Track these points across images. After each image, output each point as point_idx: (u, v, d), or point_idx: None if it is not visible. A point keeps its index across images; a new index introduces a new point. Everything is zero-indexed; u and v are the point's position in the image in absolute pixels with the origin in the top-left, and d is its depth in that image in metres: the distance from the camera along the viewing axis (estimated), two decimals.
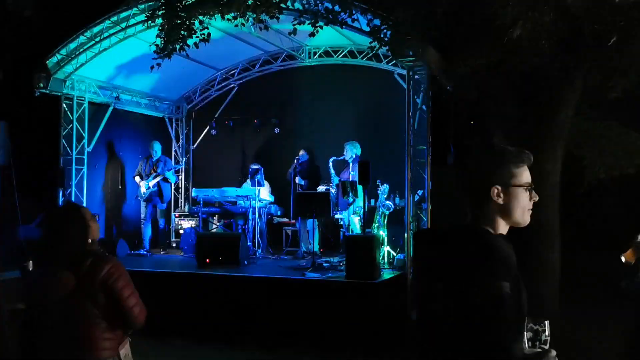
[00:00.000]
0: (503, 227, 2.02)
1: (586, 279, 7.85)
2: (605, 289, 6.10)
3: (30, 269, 5.03)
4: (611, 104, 7.30)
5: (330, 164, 9.36)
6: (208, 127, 12.31)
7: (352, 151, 9.23)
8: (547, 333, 1.99)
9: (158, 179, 10.09)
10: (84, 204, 10.09)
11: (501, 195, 1.98)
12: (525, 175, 2.02)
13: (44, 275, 2.90)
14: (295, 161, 9.93)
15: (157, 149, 10.35)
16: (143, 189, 10.10)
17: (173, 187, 10.66)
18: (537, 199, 2.03)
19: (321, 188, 9.71)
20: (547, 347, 1.98)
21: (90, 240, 2.99)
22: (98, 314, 2.85)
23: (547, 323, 2.00)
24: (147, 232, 10.22)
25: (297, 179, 9.88)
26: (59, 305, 2.82)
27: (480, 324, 1.82)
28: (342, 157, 9.30)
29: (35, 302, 2.93)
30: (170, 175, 10.23)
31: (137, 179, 10.26)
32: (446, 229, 2.11)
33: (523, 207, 2.00)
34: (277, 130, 11.57)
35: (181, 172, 12.71)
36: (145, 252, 10.02)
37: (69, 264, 2.84)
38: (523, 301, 1.93)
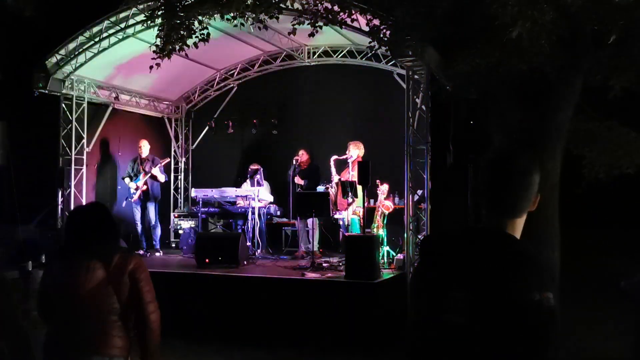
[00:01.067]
0: (519, 234, 1.90)
1: (586, 278, 7.85)
2: (605, 288, 6.11)
3: (30, 269, 5.03)
4: (611, 104, 7.29)
5: (332, 162, 9.34)
6: (207, 127, 12.31)
7: (355, 152, 9.21)
8: None
9: (146, 177, 10.03)
10: (83, 204, 10.07)
11: (536, 202, 1.90)
12: None
13: (74, 268, 2.94)
14: (295, 161, 9.92)
15: (145, 147, 10.27)
16: (133, 190, 10.05)
17: (162, 185, 10.55)
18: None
19: (321, 188, 9.70)
20: None
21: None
22: (117, 309, 2.92)
23: None
24: (143, 232, 10.19)
25: (296, 179, 9.87)
26: (83, 298, 2.88)
27: (528, 339, 1.68)
28: (344, 156, 9.28)
29: (63, 293, 2.95)
30: (157, 172, 10.12)
31: (127, 180, 10.20)
32: (463, 234, 1.93)
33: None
34: (275, 130, 11.57)
35: (180, 172, 12.71)
36: (143, 252, 10.01)
37: (101, 258, 2.95)
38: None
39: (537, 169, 1.87)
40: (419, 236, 7.92)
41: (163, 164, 10.33)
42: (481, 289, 1.74)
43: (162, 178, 10.25)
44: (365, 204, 8.17)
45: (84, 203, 10.07)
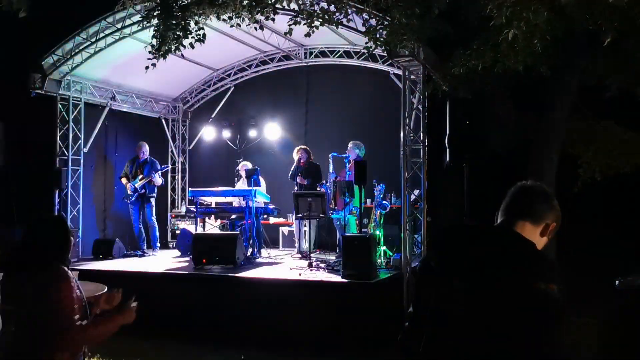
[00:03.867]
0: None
1: (582, 278, 7.87)
2: (601, 288, 6.12)
3: None
4: (607, 103, 7.32)
5: (330, 159, 9.34)
6: (204, 127, 12.31)
7: (355, 152, 9.21)
8: None
9: (144, 181, 10.03)
10: (80, 205, 10.08)
11: (547, 232, 2.07)
12: None
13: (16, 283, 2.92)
14: (296, 161, 9.91)
15: (144, 149, 10.27)
16: (129, 191, 10.05)
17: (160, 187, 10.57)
18: None
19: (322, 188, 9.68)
20: None
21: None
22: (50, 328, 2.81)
23: None
24: (140, 233, 10.19)
25: (298, 179, 9.86)
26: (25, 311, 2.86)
27: (539, 327, 1.76)
28: (343, 155, 9.28)
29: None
30: (157, 178, 10.15)
31: (124, 180, 10.19)
32: (478, 229, 2.03)
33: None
34: (272, 130, 11.57)
35: (177, 172, 12.71)
36: (141, 253, 10.01)
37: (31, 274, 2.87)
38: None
39: (557, 208, 2.11)
40: (416, 236, 7.94)
41: (164, 170, 10.35)
42: (487, 280, 1.82)
43: (159, 182, 10.28)
44: (363, 204, 8.18)
45: (80, 204, 10.08)
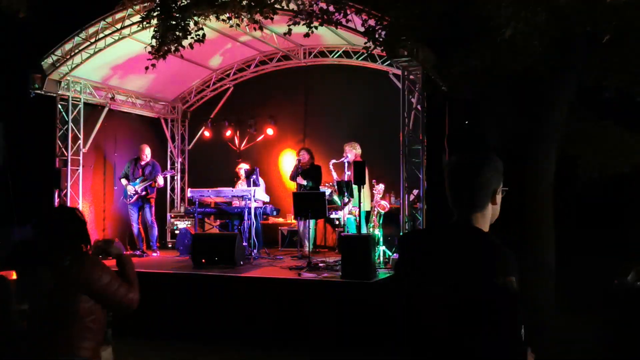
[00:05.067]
0: (487, 227, 2.09)
1: (580, 278, 7.88)
2: (599, 288, 6.14)
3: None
4: (605, 104, 7.33)
5: (331, 166, 9.34)
6: (204, 128, 12.32)
7: (352, 152, 9.22)
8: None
9: (146, 183, 10.03)
10: (80, 205, 10.09)
11: (498, 198, 2.09)
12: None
13: (33, 275, 2.95)
14: (297, 162, 9.91)
15: (146, 152, 10.26)
16: (130, 192, 10.05)
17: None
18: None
19: (324, 189, 9.68)
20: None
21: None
22: (78, 312, 2.87)
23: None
24: (140, 233, 10.20)
25: (298, 179, 9.86)
26: (46, 304, 2.88)
27: (497, 321, 1.82)
28: (342, 159, 9.26)
29: (30, 301, 2.96)
30: (160, 180, 10.16)
31: (124, 181, 10.20)
32: (435, 230, 2.15)
33: (498, 208, 2.12)
34: (271, 131, 11.59)
35: (177, 172, 12.71)
36: (140, 253, 10.02)
37: (50, 263, 2.90)
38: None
39: (493, 169, 2.08)
40: None
41: (168, 175, 10.34)
42: (453, 281, 1.90)
43: (161, 184, 10.30)
44: (361, 204, 8.19)
45: (80, 204, 10.08)
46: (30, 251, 3.02)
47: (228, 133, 12.00)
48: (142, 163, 10.17)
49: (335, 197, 9.33)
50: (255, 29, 7.23)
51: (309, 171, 9.86)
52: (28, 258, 2.99)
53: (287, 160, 10.38)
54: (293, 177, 9.95)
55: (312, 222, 9.39)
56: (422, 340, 1.96)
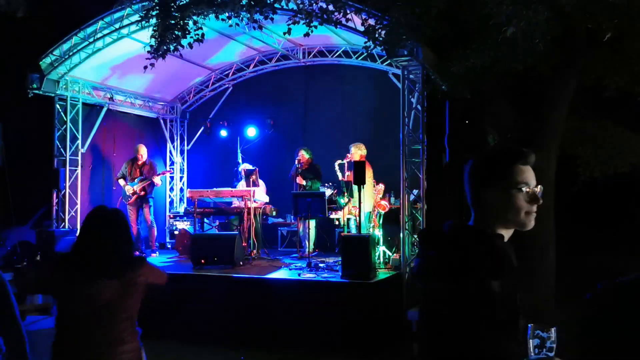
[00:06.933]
0: (502, 229, 1.94)
1: (581, 276, 7.86)
2: (600, 287, 6.11)
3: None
4: (605, 103, 7.32)
5: (337, 167, 9.31)
6: (203, 128, 12.30)
7: (357, 153, 9.18)
8: (552, 339, 1.96)
9: (144, 183, 10.00)
10: (78, 205, 10.06)
11: (494, 196, 1.92)
12: (519, 176, 1.90)
13: (92, 279, 2.91)
14: (297, 162, 9.89)
15: (143, 152, 10.22)
16: (128, 192, 10.02)
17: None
18: (538, 202, 1.90)
19: (323, 189, 9.66)
20: (552, 354, 1.95)
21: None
22: (130, 315, 2.99)
23: (553, 330, 1.97)
24: (139, 233, 10.17)
25: (298, 179, 9.84)
26: (101, 307, 2.90)
27: (470, 323, 1.79)
28: (346, 160, 9.22)
29: (81, 302, 2.92)
30: (158, 180, 10.14)
31: (122, 181, 10.17)
32: (446, 229, 2.09)
33: (518, 208, 1.89)
34: (270, 131, 11.57)
35: (176, 173, 12.69)
36: (139, 253, 9.99)
37: (115, 272, 2.94)
38: (518, 302, 1.87)
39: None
40: (415, 236, 7.93)
41: (166, 175, 10.31)
42: (448, 279, 1.85)
43: (159, 182, 10.26)
44: (361, 204, 8.17)
45: (78, 204, 10.05)
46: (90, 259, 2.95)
47: (227, 133, 11.98)
48: (139, 163, 10.14)
49: (339, 198, 9.31)
50: (254, 28, 7.20)
51: (308, 171, 9.84)
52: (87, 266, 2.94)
53: (287, 160, 10.32)
54: (292, 177, 9.93)
55: (312, 222, 9.37)
56: (427, 342, 1.94)
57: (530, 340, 1.96)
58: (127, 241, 3.06)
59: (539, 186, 1.92)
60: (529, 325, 1.98)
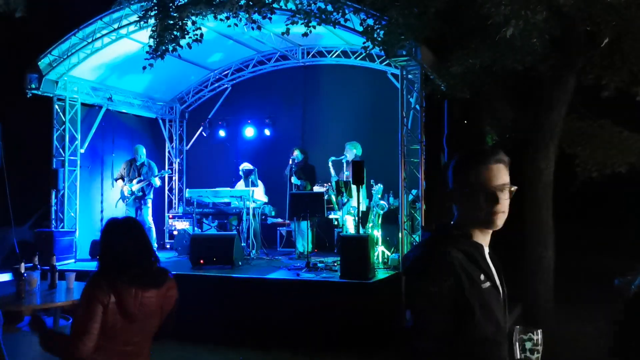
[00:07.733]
0: (473, 228, 1.94)
1: (580, 276, 7.88)
2: (598, 286, 6.13)
3: (23, 271, 4.98)
4: (604, 103, 7.33)
5: (330, 163, 9.33)
6: (201, 128, 12.29)
7: (352, 152, 9.20)
8: (535, 341, 1.95)
9: (142, 184, 9.99)
10: (77, 206, 10.05)
11: (459, 197, 1.94)
12: (484, 177, 1.89)
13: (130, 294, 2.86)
14: (291, 161, 9.90)
15: (141, 153, 10.21)
16: (126, 193, 10.01)
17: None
18: (497, 202, 1.88)
19: (316, 188, 9.68)
20: (533, 357, 1.94)
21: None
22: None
23: (539, 332, 1.96)
24: None
25: (292, 179, 9.85)
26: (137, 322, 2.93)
27: (414, 326, 1.86)
28: (341, 157, 9.26)
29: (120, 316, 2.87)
30: (154, 181, 10.13)
31: (120, 182, 10.15)
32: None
33: (478, 209, 1.89)
34: (269, 131, 11.57)
35: (175, 173, 12.69)
36: None
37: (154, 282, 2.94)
38: (486, 303, 1.86)
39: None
40: (414, 235, 7.93)
41: (165, 175, 10.28)
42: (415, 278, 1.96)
43: (157, 184, 10.25)
44: (360, 204, 8.17)
45: (77, 204, 10.04)
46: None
47: (226, 133, 11.97)
48: (138, 164, 10.13)
49: (333, 197, 9.32)
50: (253, 28, 7.21)
51: (302, 170, 9.85)
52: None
53: (286, 160, 10.32)
54: (287, 176, 9.94)
55: (307, 222, 9.38)
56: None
57: (516, 343, 1.96)
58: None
59: (513, 187, 1.91)
60: (516, 327, 1.98)
